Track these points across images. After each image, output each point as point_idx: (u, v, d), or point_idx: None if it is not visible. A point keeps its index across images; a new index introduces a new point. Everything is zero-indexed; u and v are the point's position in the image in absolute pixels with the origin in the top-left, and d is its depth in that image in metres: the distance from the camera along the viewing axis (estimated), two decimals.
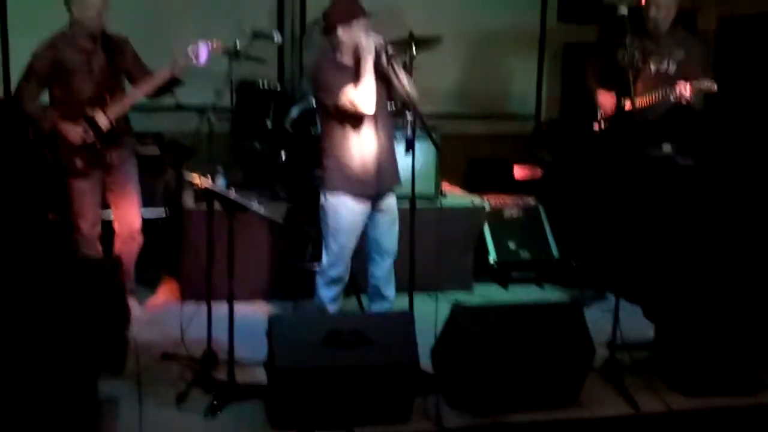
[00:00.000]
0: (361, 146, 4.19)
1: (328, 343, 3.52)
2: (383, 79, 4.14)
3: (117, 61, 4.55)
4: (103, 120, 4.47)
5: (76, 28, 4.41)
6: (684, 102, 4.66)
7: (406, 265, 4.33)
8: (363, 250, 4.54)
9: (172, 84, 4.55)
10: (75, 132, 4.44)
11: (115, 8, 4.48)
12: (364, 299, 4.80)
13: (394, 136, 4.42)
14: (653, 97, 4.78)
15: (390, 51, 4.08)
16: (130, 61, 4.63)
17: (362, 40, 4.05)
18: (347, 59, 4.17)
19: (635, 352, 4.26)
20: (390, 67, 4.09)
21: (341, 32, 4.11)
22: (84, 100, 4.47)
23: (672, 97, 4.67)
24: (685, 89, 4.61)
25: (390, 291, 4.47)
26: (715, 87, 4.56)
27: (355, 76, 4.07)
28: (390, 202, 4.38)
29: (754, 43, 6.49)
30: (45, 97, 4.57)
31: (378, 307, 4.48)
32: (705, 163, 5.95)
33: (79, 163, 4.49)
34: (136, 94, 4.52)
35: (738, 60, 6.59)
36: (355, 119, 4.12)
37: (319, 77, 4.16)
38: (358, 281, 4.88)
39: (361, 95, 4.01)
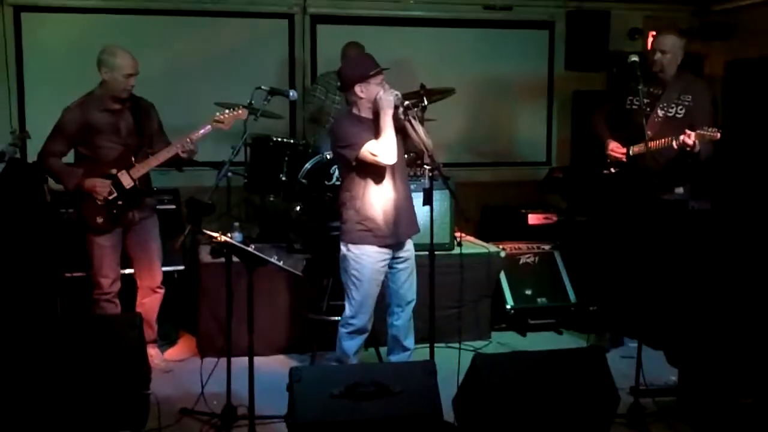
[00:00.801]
0: (383, 197, 4.22)
1: (350, 395, 3.48)
2: (399, 131, 4.19)
3: (144, 124, 4.66)
4: (127, 180, 4.56)
5: (106, 89, 4.53)
6: (688, 149, 4.66)
7: (424, 315, 4.35)
8: (381, 302, 4.54)
9: (182, 162, 4.67)
10: (102, 186, 4.50)
11: None
12: (382, 351, 4.78)
13: (410, 185, 4.46)
14: (658, 143, 4.77)
15: (406, 104, 4.14)
16: (155, 126, 4.76)
17: (380, 95, 4.11)
18: (365, 113, 4.22)
19: (659, 398, 4.22)
20: (406, 119, 4.14)
21: (359, 90, 4.17)
22: (110, 160, 4.56)
23: (675, 145, 4.68)
24: (688, 138, 4.62)
25: (410, 341, 4.47)
26: (718, 135, 4.55)
27: (375, 129, 4.13)
28: (409, 249, 4.40)
29: (761, 86, 6.55)
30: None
31: (397, 358, 4.46)
32: (721, 206, 5.95)
33: (100, 220, 4.55)
34: (158, 158, 4.59)
35: (746, 102, 6.65)
36: (376, 171, 4.17)
37: (340, 133, 4.21)
38: (375, 332, 4.87)
39: (383, 147, 4.06)
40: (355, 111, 4.24)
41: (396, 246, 4.29)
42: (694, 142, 4.60)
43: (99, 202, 4.53)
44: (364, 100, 4.19)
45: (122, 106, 4.59)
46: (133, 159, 4.59)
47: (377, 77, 4.17)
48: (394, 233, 4.24)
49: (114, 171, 4.55)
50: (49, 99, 6.10)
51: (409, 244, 4.40)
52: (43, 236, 5.26)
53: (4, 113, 6.16)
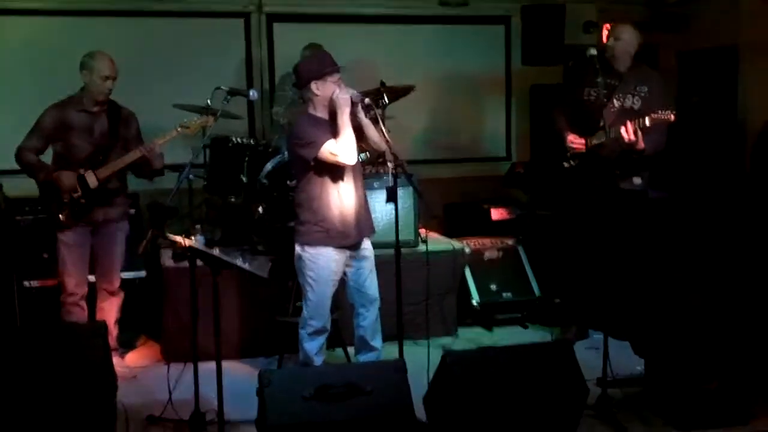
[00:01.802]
0: (340, 198, 4.20)
1: (321, 397, 3.46)
2: (355, 130, 4.16)
3: (120, 129, 4.75)
4: (92, 180, 4.62)
5: (85, 91, 4.68)
6: (629, 141, 4.73)
7: (391, 313, 4.33)
8: (345, 303, 4.52)
9: (151, 171, 4.79)
10: (68, 178, 4.58)
11: None
12: (350, 351, 4.76)
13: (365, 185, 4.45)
14: (614, 132, 4.81)
15: (366, 102, 4.12)
16: (132, 134, 4.84)
17: (336, 93, 4.09)
18: (321, 112, 4.20)
19: (626, 388, 4.27)
20: (368, 116, 4.13)
21: (315, 87, 4.15)
22: (80, 159, 4.64)
23: (621, 136, 4.74)
24: (627, 131, 4.69)
25: (377, 341, 4.45)
26: (672, 117, 4.63)
27: (332, 128, 4.10)
28: (367, 248, 4.39)
29: (713, 76, 6.67)
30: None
31: (365, 358, 4.45)
32: (677, 195, 6.04)
33: (63, 216, 4.62)
34: (124, 160, 4.67)
35: (699, 92, 6.77)
36: (333, 171, 4.15)
37: (297, 132, 4.18)
38: (341, 332, 4.86)
39: (343, 146, 4.04)
40: (311, 110, 4.22)
41: (353, 246, 4.28)
42: (636, 138, 4.68)
43: (63, 199, 4.59)
44: (319, 98, 4.17)
45: (100, 109, 4.69)
46: (101, 159, 4.65)
47: (334, 75, 4.16)
48: (353, 235, 4.24)
49: (81, 170, 4.61)
50: (3, 103, 6.03)
51: (367, 243, 4.39)
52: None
53: None
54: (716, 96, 6.67)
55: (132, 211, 5.43)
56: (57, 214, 4.61)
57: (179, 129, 4.62)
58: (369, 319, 4.40)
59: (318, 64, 4.24)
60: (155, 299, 5.20)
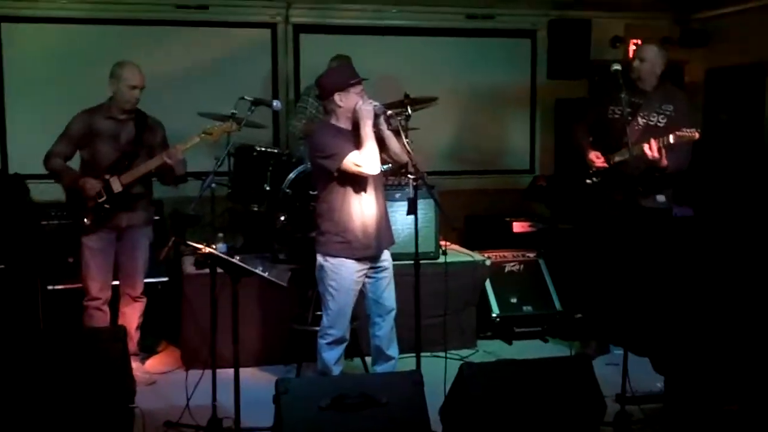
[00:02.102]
0: (362, 209, 4.22)
1: (337, 407, 3.46)
2: (378, 142, 4.18)
3: (145, 137, 4.82)
4: (116, 185, 4.69)
5: (114, 99, 4.77)
6: (652, 159, 4.71)
7: (410, 324, 4.33)
8: (363, 313, 4.53)
9: (174, 177, 4.81)
10: (92, 185, 4.65)
11: None
12: (368, 361, 4.76)
13: (386, 197, 4.46)
14: (637, 150, 4.79)
15: (389, 114, 4.14)
16: (158, 141, 4.89)
17: (359, 105, 4.11)
18: (344, 123, 4.22)
19: (645, 405, 4.23)
20: (390, 128, 4.14)
21: (338, 98, 4.17)
22: (106, 165, 4.72)
23: (644, 153, 4.72)
24: (651, 148, 4.67)
25: (393, 351, 4.45)
26: (696, 135, 4.60)
27: (354, 139, 4.12)
28: (387, 259, 4.40)
29: (741, 93, 6.62)
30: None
31: (382, 368, 4.44)
32: (703, 212, 6.00)
33: (87, 221, 4.70)
34: (148, 166, 4.72)
35: (726, 109, 6.72)
36: (355, 182, 4.16)
37: (320, 143, 4.20)
38: (359, 342, 4.86)
39: (366, 158, 4.05)
40: (333, 121, 4.24)
41: (373, 258, 4.29)
42: (660, 156, 4.65)
43: (88, 204, 4.66)
44: (343, 110, 4.19)
45: (127, 117, 4.78)
46: (126, 165, 4.72)
47: (357, 87, 4.18)
48: (373, 246, 4.25)
49: (107, 176, 4.68)
50: (31, 110, 6.13)
51: (386, 254, 4.40)
52: (24, 248, 5.23)
53: None
54: (743, 113, 6.62)
55: (156, 217, 5.50)
56: (82, 218, 4.69)
57: (202, 135, 4.66)
58: (384, 328, 4.40)
59: (341, 75, 4.27)
60: (177, 306, 5.24)
